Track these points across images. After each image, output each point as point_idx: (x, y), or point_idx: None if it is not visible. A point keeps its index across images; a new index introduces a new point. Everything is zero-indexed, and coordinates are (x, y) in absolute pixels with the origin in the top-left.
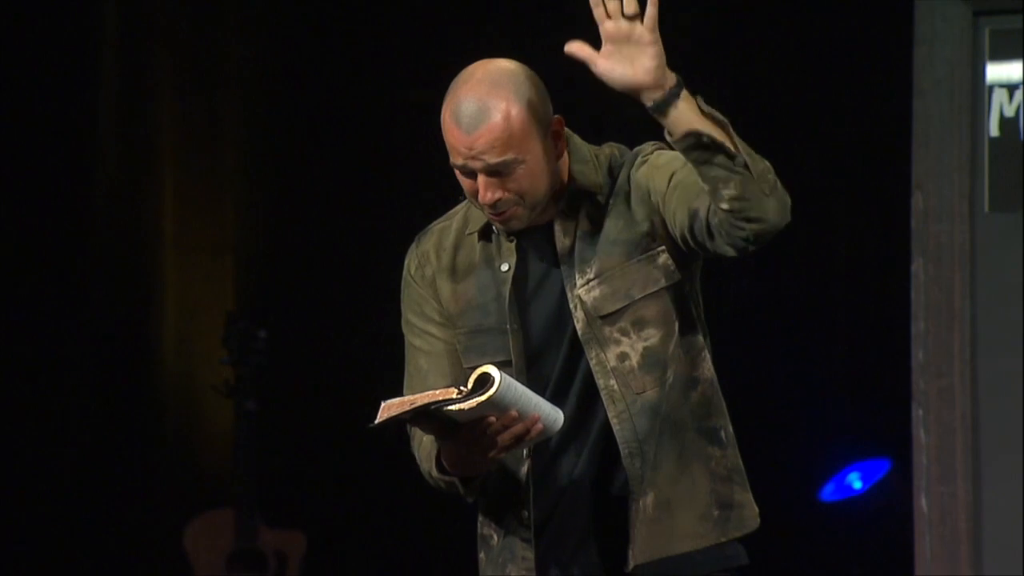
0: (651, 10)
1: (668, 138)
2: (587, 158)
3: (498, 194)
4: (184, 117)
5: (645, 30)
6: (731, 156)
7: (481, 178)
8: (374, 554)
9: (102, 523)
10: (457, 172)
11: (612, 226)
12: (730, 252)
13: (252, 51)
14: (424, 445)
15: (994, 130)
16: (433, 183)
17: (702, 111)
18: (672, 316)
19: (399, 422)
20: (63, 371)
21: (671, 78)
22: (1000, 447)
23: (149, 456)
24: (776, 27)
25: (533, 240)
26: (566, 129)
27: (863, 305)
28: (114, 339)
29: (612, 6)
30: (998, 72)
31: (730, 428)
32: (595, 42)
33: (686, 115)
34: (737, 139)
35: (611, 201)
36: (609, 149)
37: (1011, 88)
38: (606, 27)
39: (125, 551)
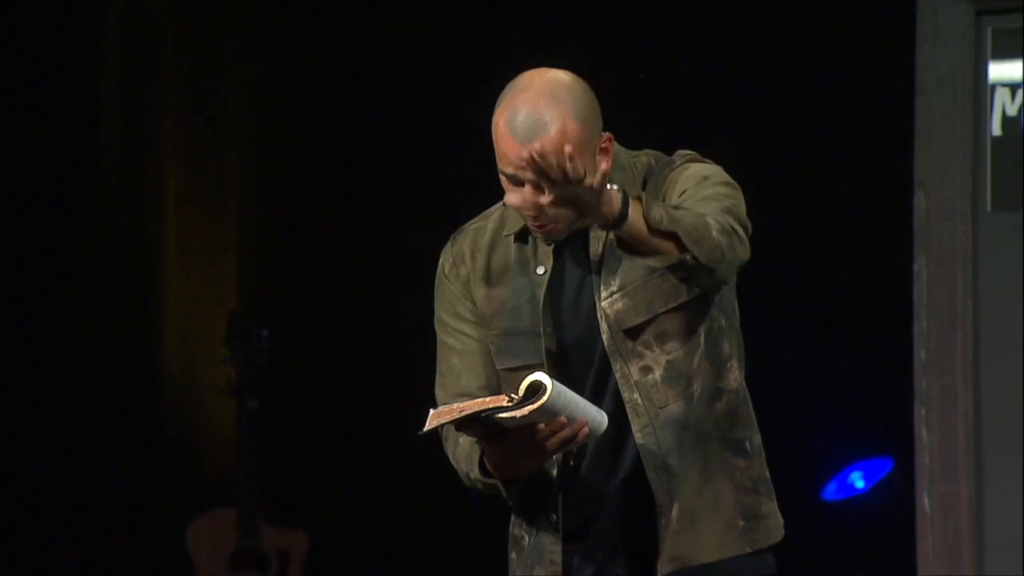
0: (599, 178)
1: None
2: (624, 166)
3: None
4: (186, 117)
5: (594, 194)
6: (680, 261)
7: (528, 189)
8: (377, 553)
9: (104, 522)
10: (503, 178)
11: None
12: None
13: (255, 51)
14: (462, 447)
15: (996, 129)
16: (436, 183)
17: (651, 228)
18: (696, 329)
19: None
20: (65, 370)
21: (616, 205)
22: (1002, 446)
23: (151, 455)
24: (778, 26)
25: (570, 245)
26: None
27: (865, 304)
28: (116, 338)
29: (556, 174)
30: (1000, 71)
31: (757, 439)
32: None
33: (633, 230)
34: (686, 237)
35: None
36: (646, 157)
37: (1013, 87)
38: (555, 190)
39: (128, 550)
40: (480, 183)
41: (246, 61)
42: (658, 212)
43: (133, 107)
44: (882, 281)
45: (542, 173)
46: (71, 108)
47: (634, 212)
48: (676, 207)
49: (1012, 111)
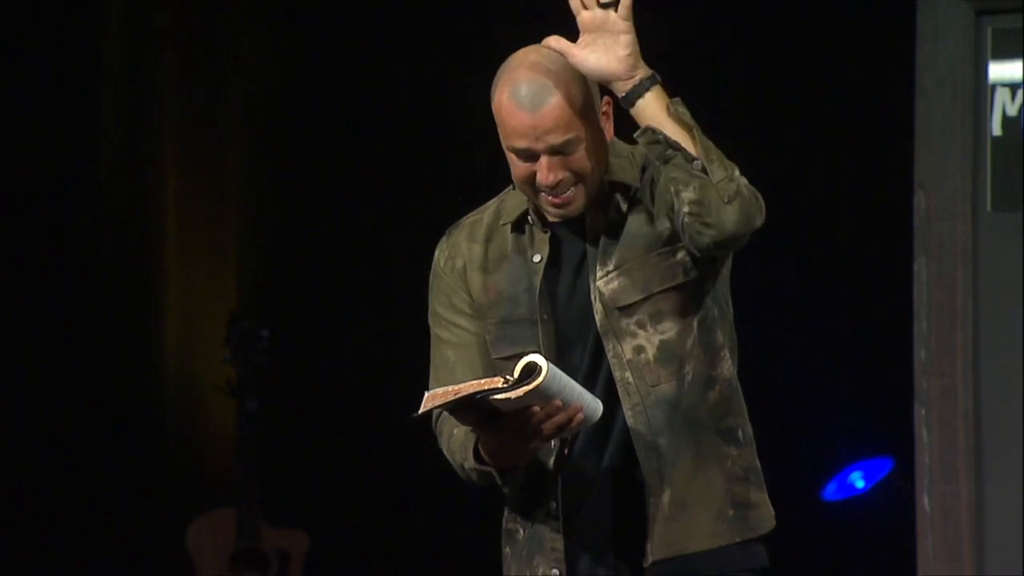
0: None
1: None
2: (623, 153)
3: (560, 175)
4: (186, 117)
5: (619, 18)
6: (688, 159)
7: (544, 159)
8: (377, 553)
9: (105, 523)
10: (513, 157)
11: (636, 221)
12: (696, 253)
13: (254, 51)
14: (456, 438)
15: (996, 129)
16: (436, 183)
17: (669, 111)
18: (690, 312)
19: (432, 414)
20: (65, 370)
21: (644, 71)
22: (1002, 446)
23: (151, 455)
24: (779, 26)
25: (566, 232)
26: None
27: (865, 304)
28: (116, 339)
29: None
30: (1000, 71)
31: (748, 428)
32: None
33: (652, 109)
34: (701, 144)
35: (639, 196)
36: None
37: (1013, 87)
38: (582, 16)
39: (128, 550)
40: (480, 183)
41: (246, 61)
42: (680, 107)
43: (133, 107)
44: (882, 281)
45: None
46: (71, 108)
47: (656, 93)
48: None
49: (1012, 111)
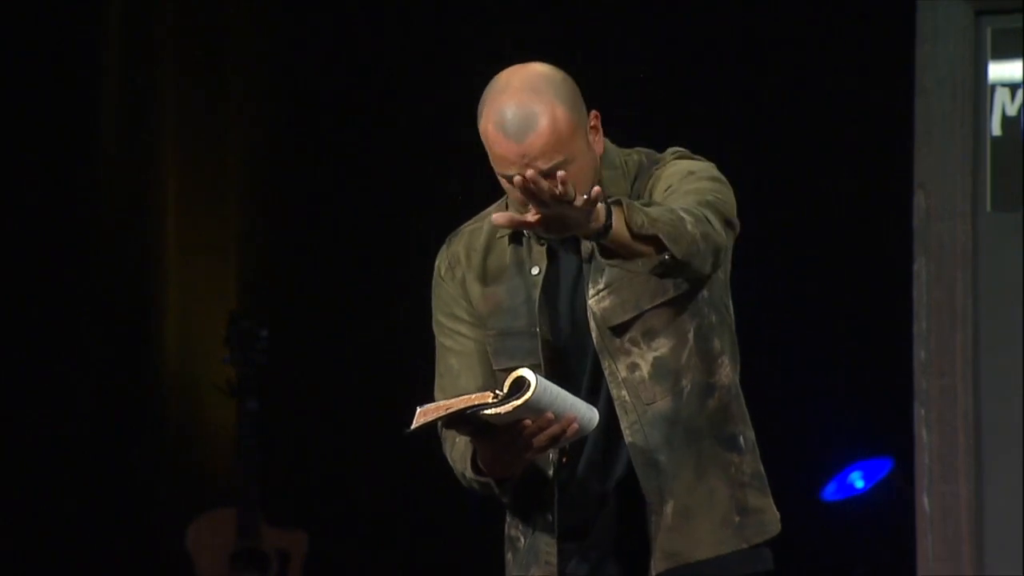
0: (593, 196)
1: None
2: (616, 164)
3: None
4: (186, 117)
5: (584, 213)
6: (666, 265)
7: None
8: (377, 554)
9: (104, 523)
10: (503, 180)
11: None
12: None
13: (255, 51)
14: (458, 446)
15: (996, 129)
16: (436, 184)
17: (632, 233)
18: (684, 325)
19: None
20: (65, 370)
21: (601, 217)
22: (1002, 446)
23: (151, 456)
24: (778, 26)
25: (563, 244)
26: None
27: (865, 304)
28: (116, 339)
29: (547, 197)
30: (1000, 71)
31: (750, 434)
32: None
33: (619, 238)
34: (667, 239)
35: None
36: (637, 155)
37: (1013, 87)
38: (544, 211)
39: (127, 551)
40: (481, 183)
41: (246, 61)
42: (639, 217)
43: (133, 107)
44: (882, 281)
45: (533, 196)
46: (71, 108)
47: (617, 221)
48: (649, 204)
49: (1012, 111)
